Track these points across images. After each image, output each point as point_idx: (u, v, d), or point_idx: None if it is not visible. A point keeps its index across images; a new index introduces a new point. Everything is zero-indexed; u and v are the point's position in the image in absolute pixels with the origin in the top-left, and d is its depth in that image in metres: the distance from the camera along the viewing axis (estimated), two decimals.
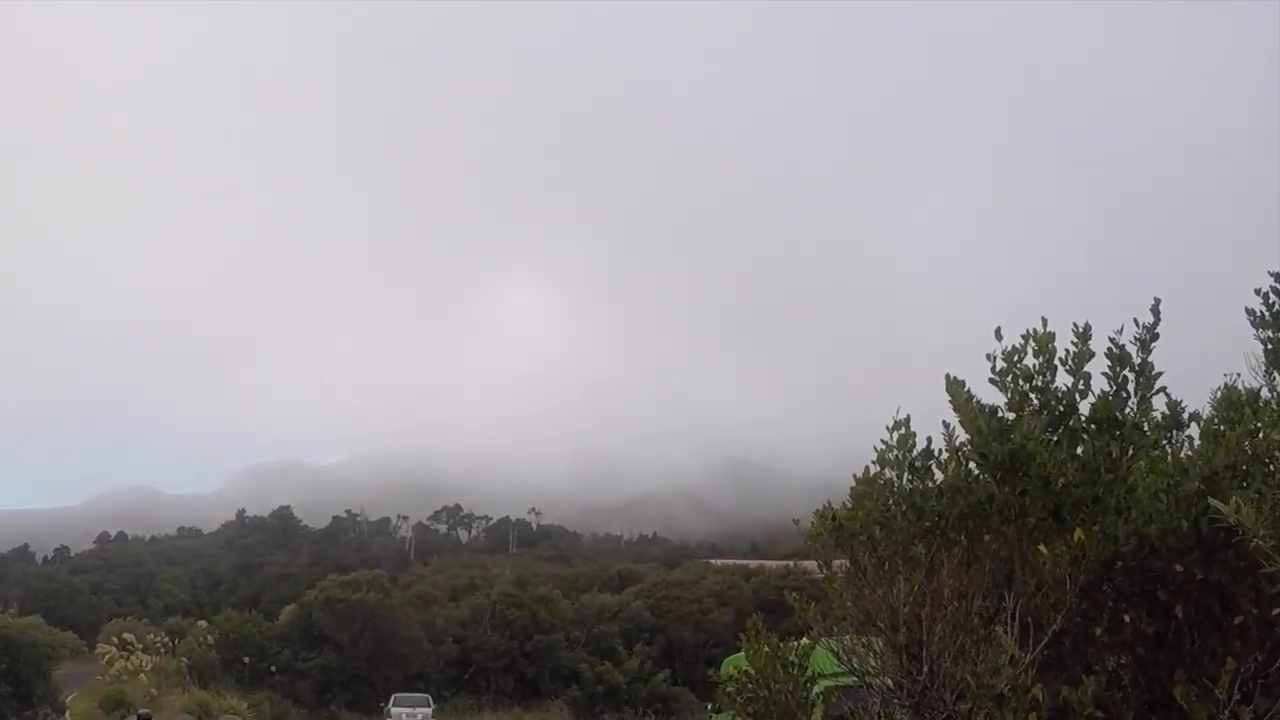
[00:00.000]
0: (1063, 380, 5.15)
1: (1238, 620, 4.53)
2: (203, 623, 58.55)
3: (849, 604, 5.32)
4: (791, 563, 66.20)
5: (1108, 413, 5.03)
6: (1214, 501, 4.03)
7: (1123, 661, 4.74)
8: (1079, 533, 4.58)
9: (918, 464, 5.20)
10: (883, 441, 5.26)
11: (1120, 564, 4.73)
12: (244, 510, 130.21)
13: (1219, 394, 5.10)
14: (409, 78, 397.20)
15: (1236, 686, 4.25)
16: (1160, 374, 5.13)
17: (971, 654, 4.81)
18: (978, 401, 5.10)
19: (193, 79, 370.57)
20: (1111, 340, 5.13)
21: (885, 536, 5.09)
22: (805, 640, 5.91)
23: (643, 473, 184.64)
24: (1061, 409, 5.11)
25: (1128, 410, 5.11)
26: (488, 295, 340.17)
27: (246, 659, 51.53)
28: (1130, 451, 4.91)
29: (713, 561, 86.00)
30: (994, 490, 4.89)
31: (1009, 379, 5.16)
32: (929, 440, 5.24)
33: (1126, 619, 4.68)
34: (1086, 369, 5.14)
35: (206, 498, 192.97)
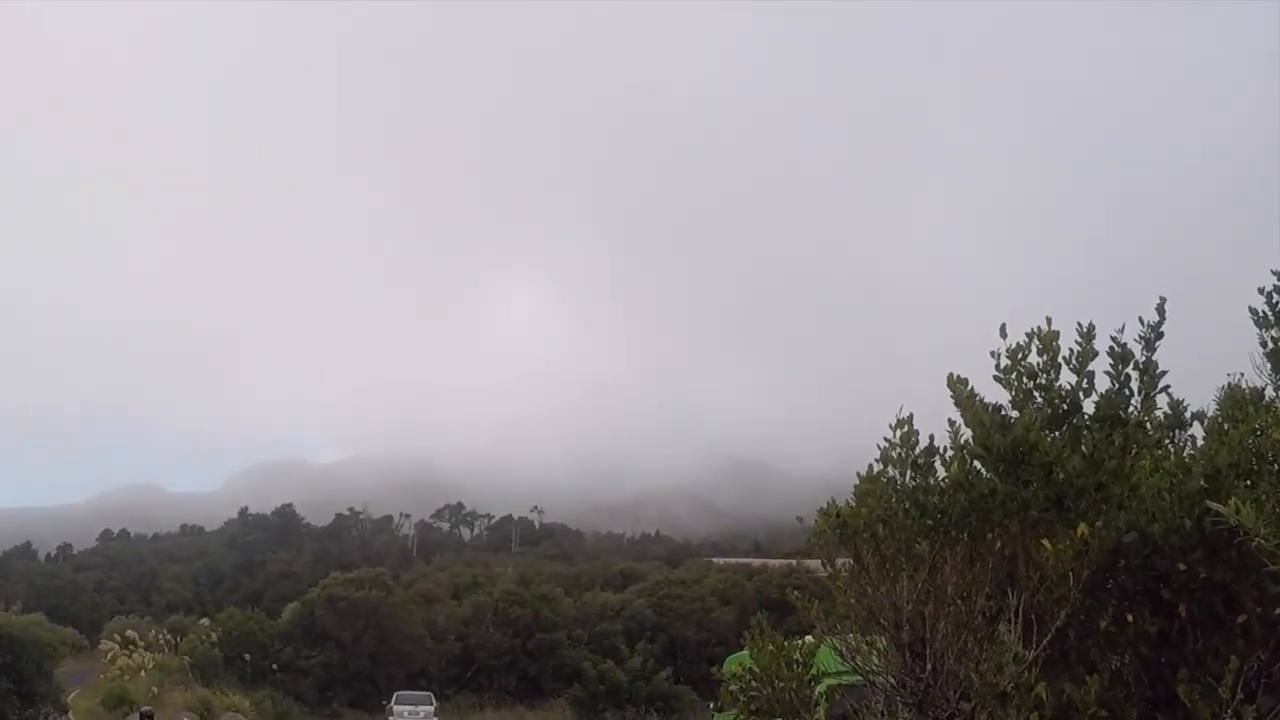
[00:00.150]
0: (1066, 379, 5.16)
1: (1241, 619, 4.53)
2: (205, 620, 58.56)
3: (852, 602, 5.32)
4: (794, 561, 66.17)
5: (1111, 410, 5.03)
6: (1212, 504, 4.03)
7: (1126, 660, 4.74)
8: (1082, 528, 4.59)
9: (921, 462, 5.21)
10: (886, 439, 5.27)
11: (1123, 562, 4.73)
12: (246, 508, 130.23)
13: (1223, 392, 5.10)
14: (409, 78, 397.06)
15: (1240, 685, 4.25)
16: (1164, 372, 5.14)
17: (975, 652, 4.82)
18: (980, 398, 5.11)
19: (193, 79, 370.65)
20: (1114, 339, 5.14)
21: (888, 534, 5.10)
22: (808, 639, 5.91)
23: (644, 472, 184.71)
24: (1065, 407, 5.12)
25: (1131, 408, 5.11)
26: (488, 295, 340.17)
27: (249, 657, 51.53)
28: (1134, 450, 4.91)
29: (715, 560, 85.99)
30: (997, 484, 4.89)
31: (1013, 376, 5.16)
32: (931, 438, 5.25)
33: (1130, 617, 4.69)
34: (1090, 368, 5.14)
35: (209, 495, 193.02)
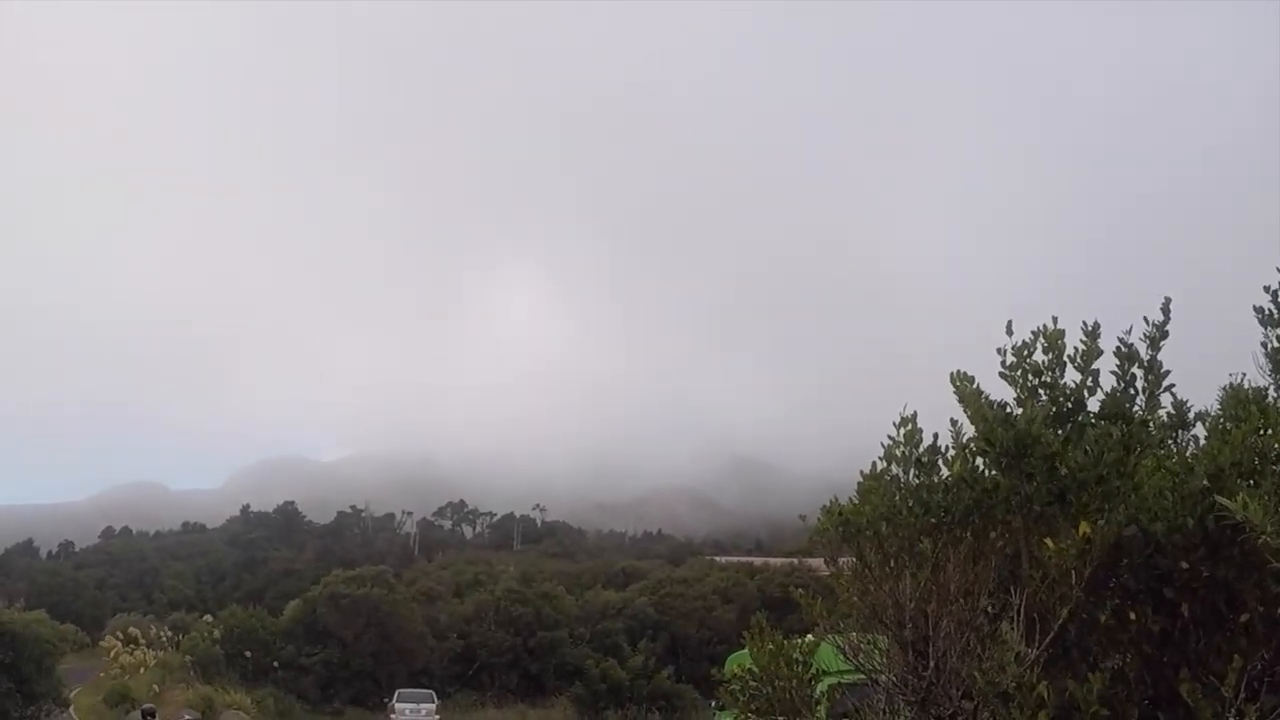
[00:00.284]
0: (1071, 377, 5.16)
1: (1244, 618, 4.53)
2: (207, 618, 58.56)
3: (855, 600, 5.32)
4: (796, 560, 66.17)
5: (1116, 408, 5.03)
6: (1220, 499, 4.02)
7: (1128, 658, 4.74)
8: (1084, 525, 4.58)
9: (924, 459, 5.21)
10: (889, 437, 5.27)
11: (1126, 561, 4.73)
12: (248, 505, 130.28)
13: (1225, 392, 5.09)
14: (409, 78, 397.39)
15: (1243, 684, 4.24)
16: (1169, 371, 5.14)
17: (977, 650, 4.81)
18: (985, 394, 5.11)
19: (193, 79, 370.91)
20: (1120, 339, 5.14)
21: (891, 532, 5.10)
22: (810, 637, 5.91)
23: (646, 470, 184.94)
24: (1070, 405, 5.12)
25: (1136, 407, 5.11)
26: (488, 295, 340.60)
27: (250, 654, 51.50)
28: (1137, 449, 4.91)
29: (717, 559, 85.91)
30: (1000, 479, 4.89)
31: (1018, 373, 5.16)
32: (935, 436, 5.25)
33: (1132, 616, 4.68)
34: (1095, 366, 5.14)
35: (211, 493, 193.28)
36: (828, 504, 5.45)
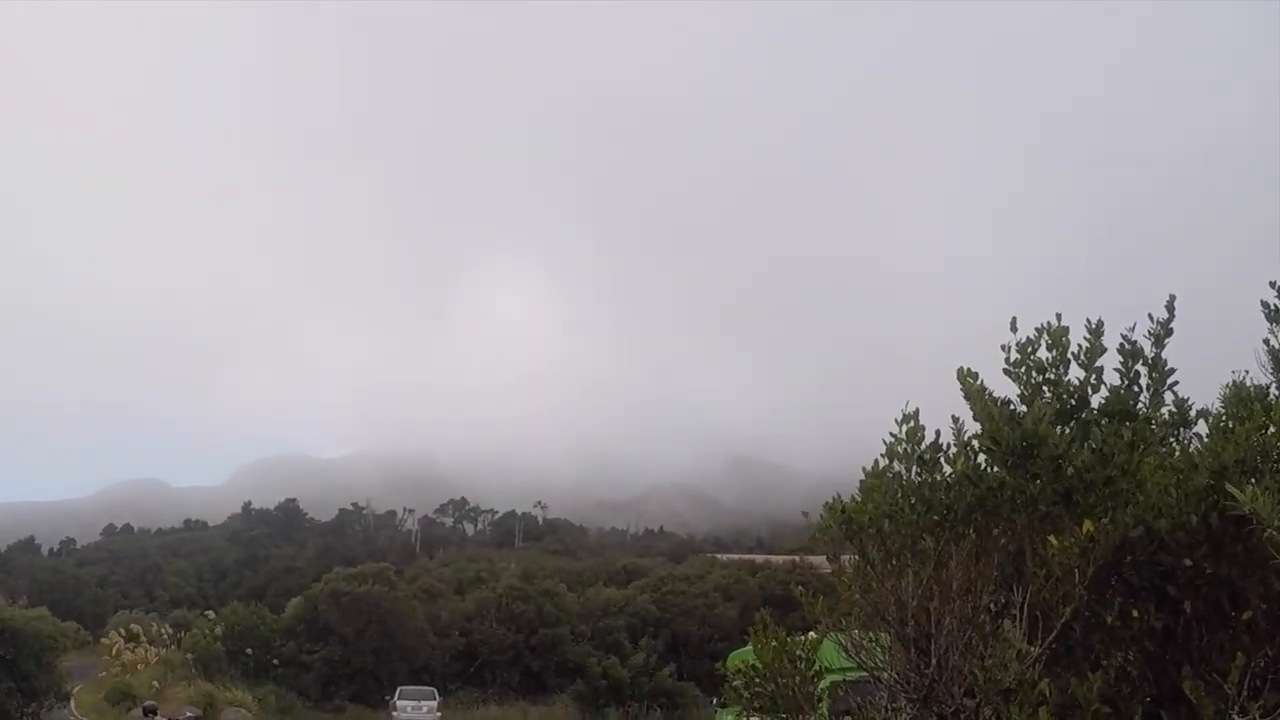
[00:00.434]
0: (1075, 374, 5.15)
1: (1247, 615, 4.52)
2: (209, 615, 58.62)
3: (857, 597, 5.32)
4: (797, 557, 66.18)
5: (1120, 406, 5.03)
6: (1230, 488, 4.01)
7: (1131, 656, 4.73)
8: (1088, 524, 4.58)
9: (926, 457, 5.20)
10: (892, 434, 5.26)
11: (1129, 558, 4.72)
12: (250, 503, 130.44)
13: (1228, 390, 5.09)
14: (409, 78, 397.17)
15: (1245, 681, 4.24)
16: (1173, 369, 5.13)
17: (980, 648, 4.81)
18: (990, 392, 5.11)
19: (192, 79, 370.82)
20: (1124, 336, 5.14)
21: (894, 529, 5.09)
22: (812, 634, 5.91)
23: (647, 468, 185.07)
24: (1074, 402, 5.11)
25: (1140, 405, 5.11)
26: (488, 295, 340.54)
27: (251, 651, 51.52)
28: (1142, 448, 4.90)
29: (719, 556, 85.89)
30: (1004, 478, 4.89)
31: (1022, 370, 5.16)
32: (937, 433, 5.25)
33: (1135, 613, 4.68)
34: (1099, 363, 5.14)
35: (212, 490, 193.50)
36: (830, 501, 5.45)
